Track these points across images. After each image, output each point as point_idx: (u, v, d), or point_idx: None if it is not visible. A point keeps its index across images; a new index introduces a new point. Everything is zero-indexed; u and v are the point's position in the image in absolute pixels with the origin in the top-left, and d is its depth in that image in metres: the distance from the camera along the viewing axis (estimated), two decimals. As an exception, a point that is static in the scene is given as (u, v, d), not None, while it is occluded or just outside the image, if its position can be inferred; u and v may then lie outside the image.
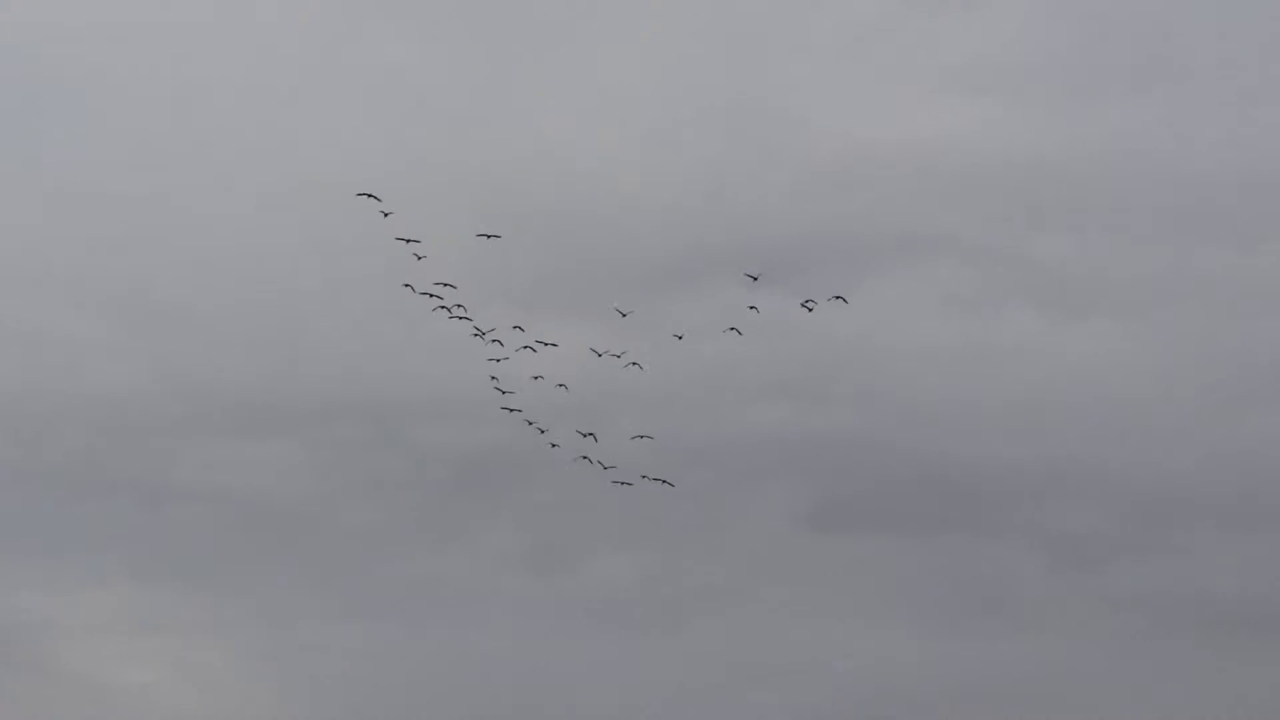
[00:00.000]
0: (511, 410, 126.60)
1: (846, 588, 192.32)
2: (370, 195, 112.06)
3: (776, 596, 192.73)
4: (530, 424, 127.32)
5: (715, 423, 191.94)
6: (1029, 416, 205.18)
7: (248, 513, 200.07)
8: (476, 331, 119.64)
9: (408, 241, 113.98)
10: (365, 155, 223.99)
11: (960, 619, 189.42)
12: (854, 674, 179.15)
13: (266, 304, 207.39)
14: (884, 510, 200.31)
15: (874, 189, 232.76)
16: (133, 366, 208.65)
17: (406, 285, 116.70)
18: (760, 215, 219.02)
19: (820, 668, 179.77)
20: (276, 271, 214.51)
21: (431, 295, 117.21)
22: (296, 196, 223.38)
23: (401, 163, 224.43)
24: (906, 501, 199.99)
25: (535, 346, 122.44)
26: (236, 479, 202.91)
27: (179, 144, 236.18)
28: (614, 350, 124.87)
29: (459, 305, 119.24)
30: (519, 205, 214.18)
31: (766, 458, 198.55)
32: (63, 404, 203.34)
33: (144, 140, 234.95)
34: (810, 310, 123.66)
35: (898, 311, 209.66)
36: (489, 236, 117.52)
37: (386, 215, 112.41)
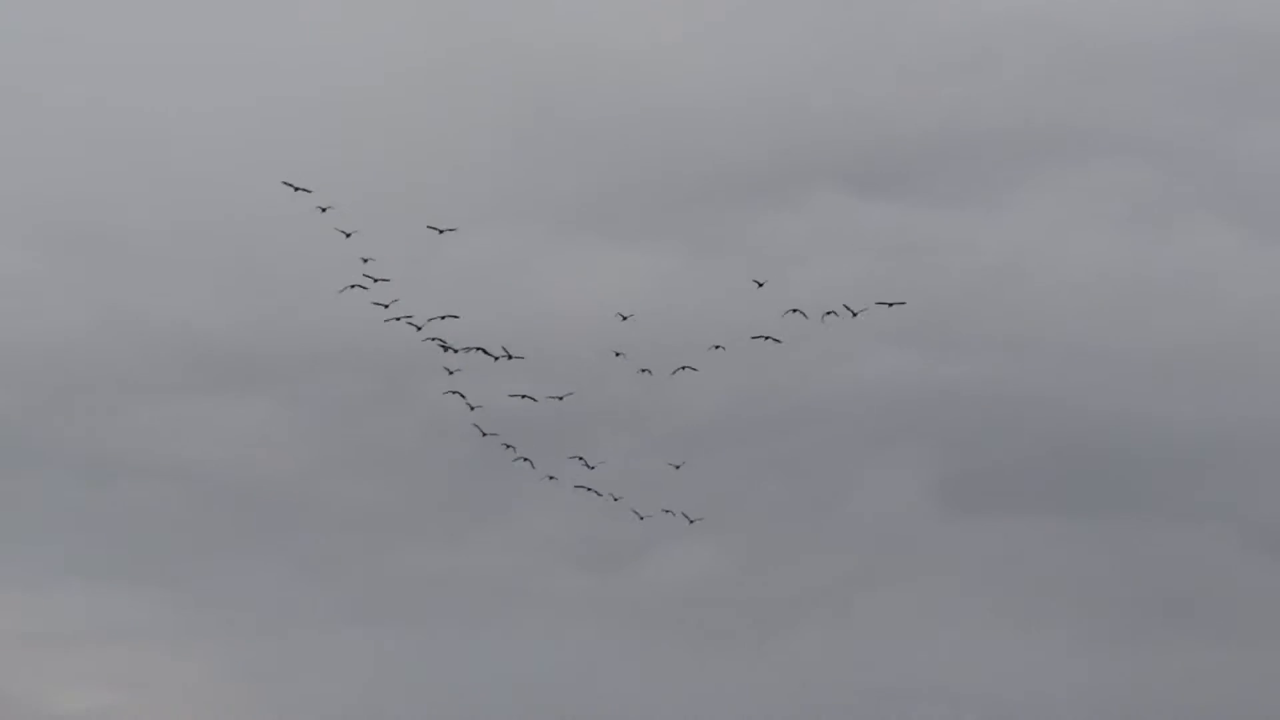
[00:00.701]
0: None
1: (987, 584, 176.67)
2: (299, 188, 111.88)
3: (896, 598, 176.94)
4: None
5: (815, 378, 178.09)
6: (1224, 367, 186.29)
7: (218, 491, 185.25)
8: (434, 340, 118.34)
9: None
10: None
11: (1137, 624, 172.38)
12: (997, 697, 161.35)
13: (237, 230, 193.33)
14: (1034, 486, 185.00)
15: (1009, 72, 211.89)
16: (72, 307, 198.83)
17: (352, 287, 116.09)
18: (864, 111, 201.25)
19: (954, 689, 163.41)
20: (249, 191, 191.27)
21: (361, 287, 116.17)
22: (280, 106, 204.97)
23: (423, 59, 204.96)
24: (1064, 475, 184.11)
25: (492, 351, 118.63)
26: (203, 449, 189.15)
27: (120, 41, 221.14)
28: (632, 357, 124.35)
29: (395, 301, 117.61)
30: (561, 104, 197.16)
31: (882, 420, 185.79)
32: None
33: (83, 39, 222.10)
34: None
35: (1047, 230, 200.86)
36: (441, 230, 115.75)
37: (324, 210, 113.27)
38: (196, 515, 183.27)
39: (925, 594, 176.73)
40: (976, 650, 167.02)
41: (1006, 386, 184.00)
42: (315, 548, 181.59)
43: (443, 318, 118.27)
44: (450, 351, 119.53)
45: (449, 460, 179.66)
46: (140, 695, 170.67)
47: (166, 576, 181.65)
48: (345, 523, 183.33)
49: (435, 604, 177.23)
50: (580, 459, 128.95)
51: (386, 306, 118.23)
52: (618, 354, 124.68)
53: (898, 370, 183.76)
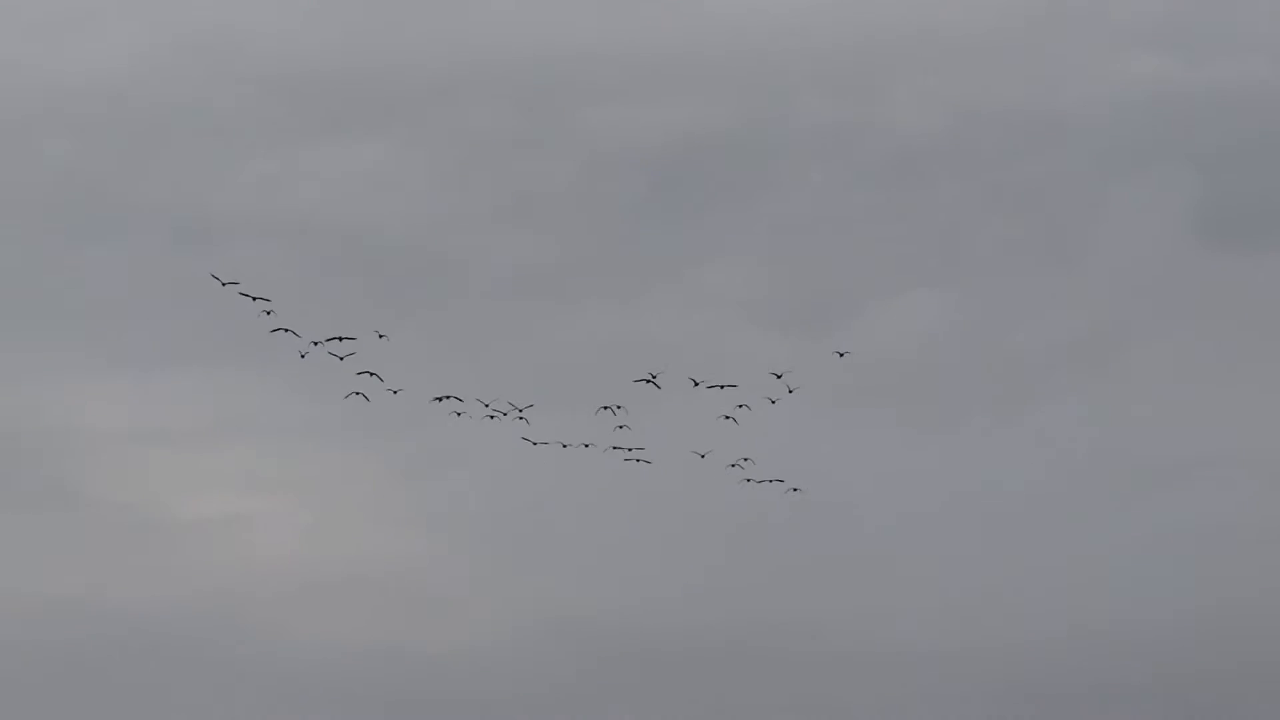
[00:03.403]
0: None
1: (1265, 330, 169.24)
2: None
3: (1157, 352, 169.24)
4: None
5: (1048, 85, 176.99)
6: None
7: (334, 251, 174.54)
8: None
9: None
10: None
11: None
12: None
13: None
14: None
15: None
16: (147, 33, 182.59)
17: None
18: None
19: (1235, 453, 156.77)
20: None
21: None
22: None
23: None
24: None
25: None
26: (314, 200, 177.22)
27: None
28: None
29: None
30: None
31: (1130, 138, 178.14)
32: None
33: None
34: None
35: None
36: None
37: (269, 313, 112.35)
38: (312, 281, 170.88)
39: (1192, 345, 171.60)
40: (1258, 407, 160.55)
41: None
42: (457, 315, 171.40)
43: None
44: None
45: (603, 209, 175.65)
46: (270, 500, 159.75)
47: (283, 357, 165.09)
48: (485, 285, 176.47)
49: (605, 375, 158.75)
50: None
51: None
52: None
53: (1150, 77, 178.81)
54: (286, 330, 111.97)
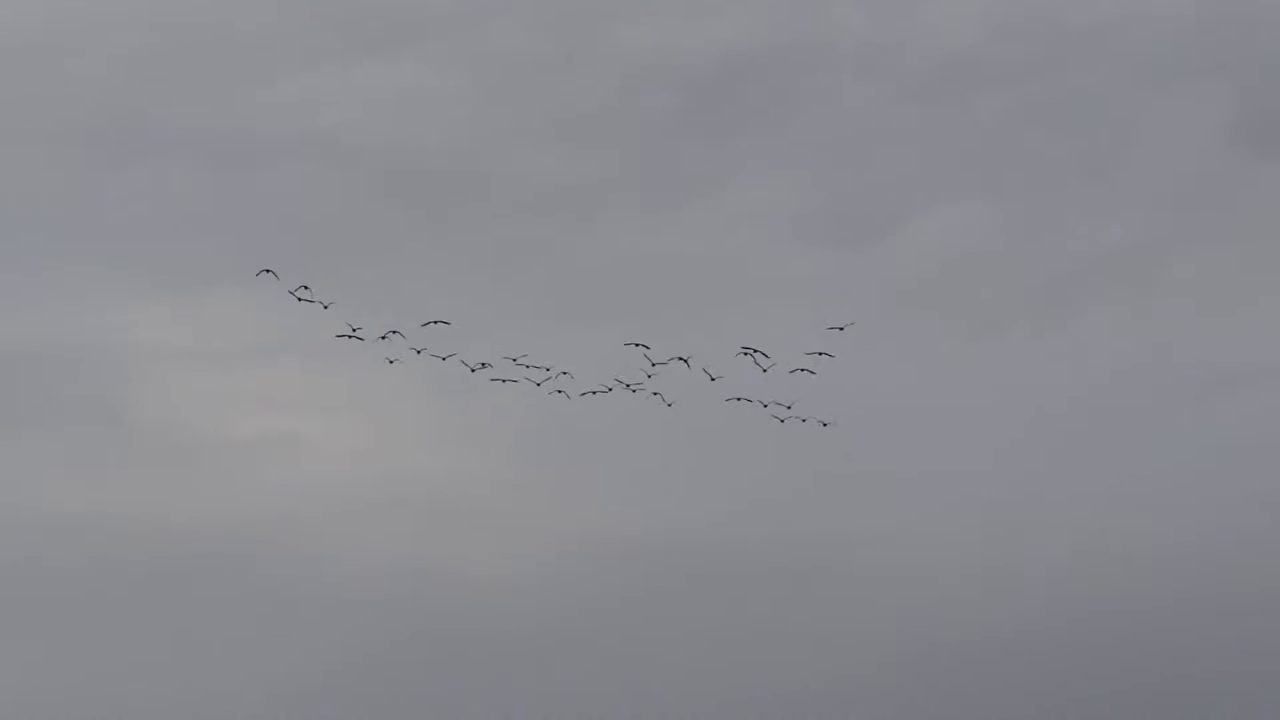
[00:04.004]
0: None
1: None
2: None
3: (1199, 265, 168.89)
4: None
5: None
6: None
7: (368, 171, 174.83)
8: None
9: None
10: None
11: None
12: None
13: None
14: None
15: None
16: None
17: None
18: None
19: None
20: None
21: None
22: None
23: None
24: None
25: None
26: (347, 120, 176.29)
27: None
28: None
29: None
30: None
31: (1172, 45, 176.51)
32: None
33: None
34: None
35: None
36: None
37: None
38: (352, 203, 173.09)
39: (1235, 257, 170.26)
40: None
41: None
42: (495, 235, 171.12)
43: None
44: None
45: (636, 128, 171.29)
46: (319, 418, 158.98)
47: (327, 276, 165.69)
48: (531, 205, 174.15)
49: (643, 296, 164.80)
50: None
51: None
52: None
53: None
54: (353, 333, 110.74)
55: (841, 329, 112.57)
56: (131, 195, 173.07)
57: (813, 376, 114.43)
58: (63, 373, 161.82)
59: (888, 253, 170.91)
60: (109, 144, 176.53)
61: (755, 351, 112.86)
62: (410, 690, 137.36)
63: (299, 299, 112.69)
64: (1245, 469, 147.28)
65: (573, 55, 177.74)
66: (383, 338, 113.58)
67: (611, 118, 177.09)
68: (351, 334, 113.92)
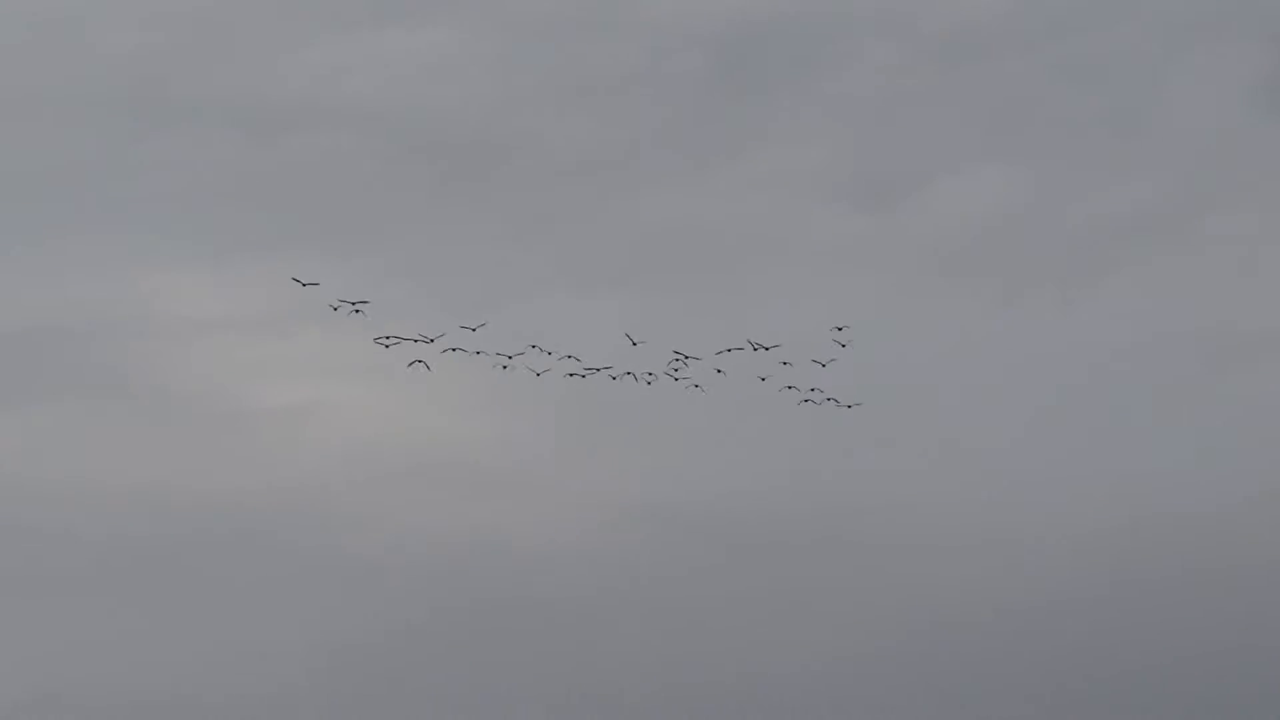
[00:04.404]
0: None
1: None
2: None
3: (1230, 224, 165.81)
4: None
5: None
6: None
7: (399, 137, 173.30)
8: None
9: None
10: None
11: None
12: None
13: None
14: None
15: None
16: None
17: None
18: None
19: None
20: None
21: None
22: None
23: None
24: None
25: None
26: (377, 87, 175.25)
27: None
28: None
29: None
30: None
31: (1198, 3, 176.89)
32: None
33: None
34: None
35: None
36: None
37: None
38: (376, 171, 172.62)
39: (1264, 215, 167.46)
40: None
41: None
42: (520, 202, 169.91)
43: None
44: None
45: (677, 87, 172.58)
46: (343, 387, 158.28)
47: (351, 245, 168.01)
48: (556, 170, 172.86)
49: (670, 260, 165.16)
50: None
51: None
52: None
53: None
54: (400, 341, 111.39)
55: (840, 329, 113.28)
56: (158, 163, 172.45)
57: (840, 349, 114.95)
58: (89, 342, 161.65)
59: (915, 214, 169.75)
60: (136, 112, 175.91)
61: (763, 347, 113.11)
62: (445, 658, 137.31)
63: (334, 307, 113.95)
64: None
65: (602, 21, 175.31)
66: (418, 341, 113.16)
67: (638, 83, 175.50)
68: (389, 341, 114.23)
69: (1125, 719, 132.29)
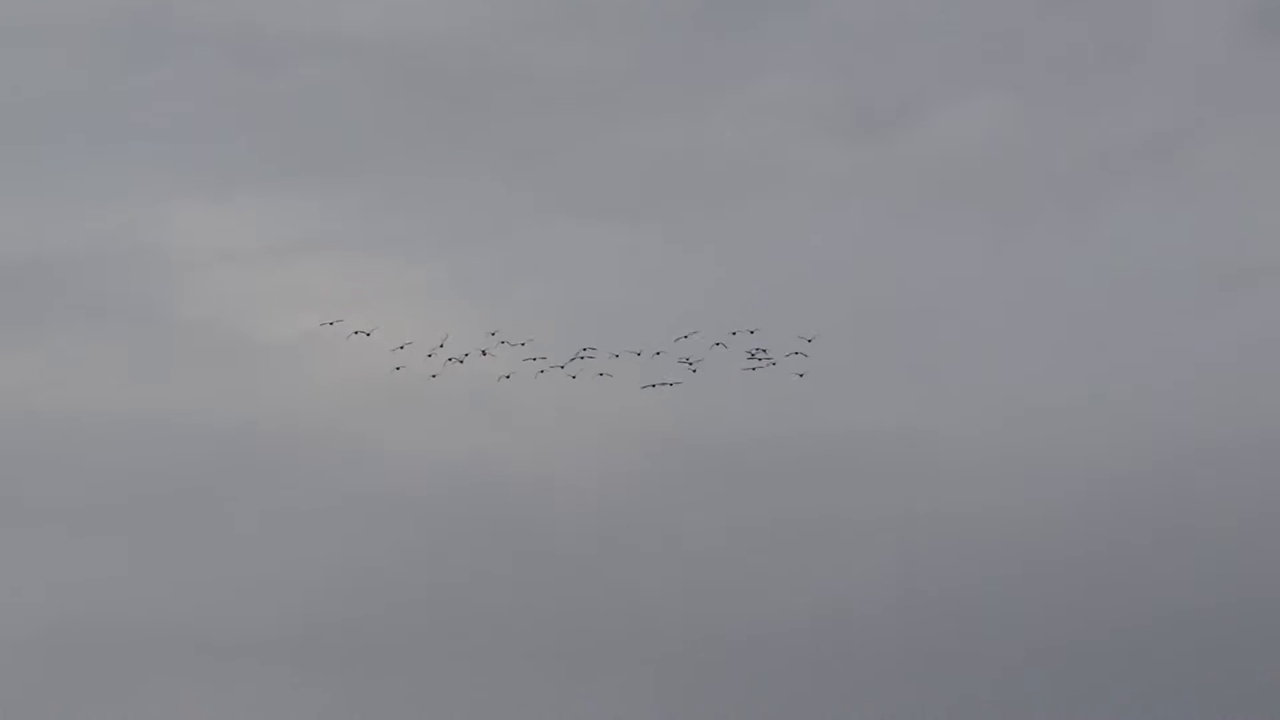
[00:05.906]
0: None
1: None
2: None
3: (1227, 151, 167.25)
4: None
5: None
6: None
7: (394, 66, 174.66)
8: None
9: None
10: None
11: None
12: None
13: None
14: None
15: None
16: None
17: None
18: None
19: None
20: None
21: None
22: None
23: None
24: None
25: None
26: (368, 17, 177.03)
27: None
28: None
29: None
30: None
31: None
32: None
33: None
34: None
35: None
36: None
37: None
38: (374, 101, 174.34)
39: (1264, 142, 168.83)
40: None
41: None
42: (513, 130, 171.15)
43: None
44: None
45: (670, 14, 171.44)
46: (354, 318, 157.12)
47: (350, 175, 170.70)
48: (553, 100, 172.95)
49: (669, 191, 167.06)
50: None
51: None
52: None
53: None
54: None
55: (809, 340, 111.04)
56: (157, 93, 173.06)
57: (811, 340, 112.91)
58: (95, 274, 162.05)
59: (909, 144, 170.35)
60: (135, 43, 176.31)
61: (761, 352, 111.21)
62: (454, 588, 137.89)
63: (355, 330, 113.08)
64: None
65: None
66: (436, 353, 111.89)
67: (630, 11, 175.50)
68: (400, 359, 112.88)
69: (1138, 632, 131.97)
